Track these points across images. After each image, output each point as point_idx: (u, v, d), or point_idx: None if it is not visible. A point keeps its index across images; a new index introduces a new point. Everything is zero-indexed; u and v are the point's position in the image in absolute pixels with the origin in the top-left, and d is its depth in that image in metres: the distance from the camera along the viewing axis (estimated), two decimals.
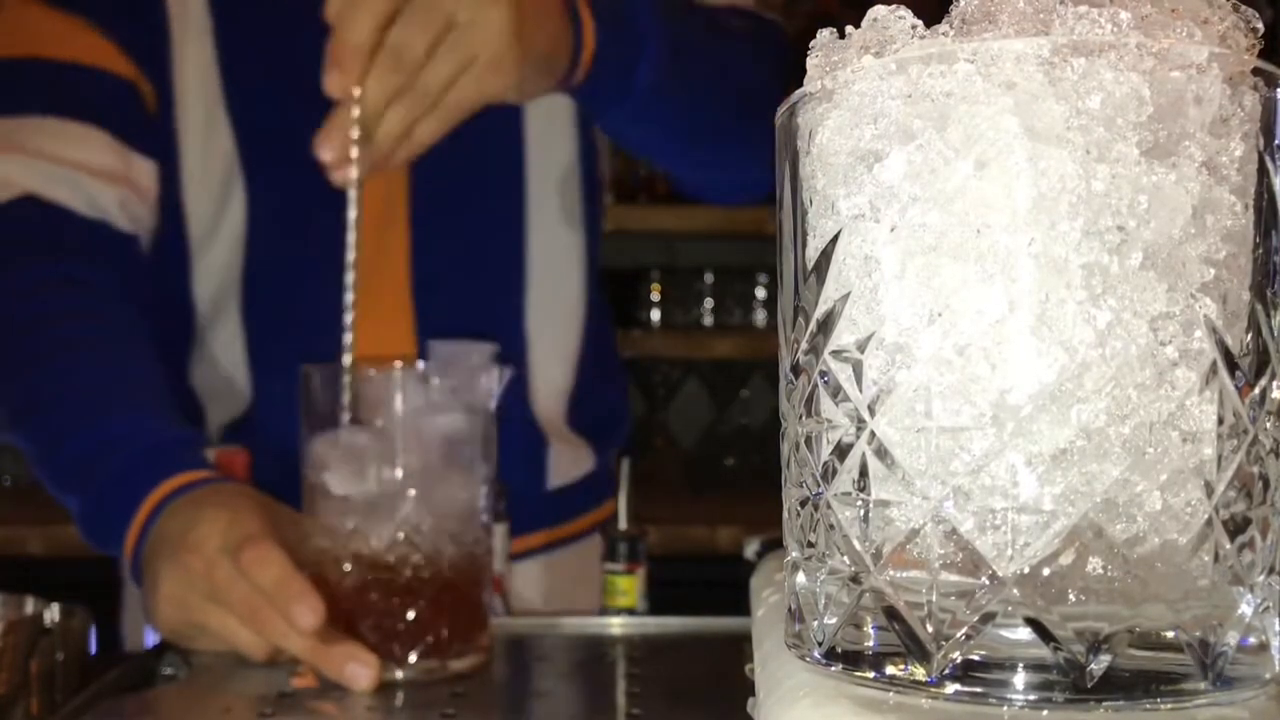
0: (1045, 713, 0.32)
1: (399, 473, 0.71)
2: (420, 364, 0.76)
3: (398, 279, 1.01)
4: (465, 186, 1.03)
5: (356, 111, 0.75)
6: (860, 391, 0.35)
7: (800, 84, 0.38)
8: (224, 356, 1.01)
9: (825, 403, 0.36)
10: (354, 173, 0.76)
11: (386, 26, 0.75)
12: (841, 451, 0.35)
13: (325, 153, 0.77)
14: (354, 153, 0.76)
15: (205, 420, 1.03)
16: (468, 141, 0.91)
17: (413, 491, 0.71)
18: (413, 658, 0.71)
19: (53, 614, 0.70)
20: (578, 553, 1.08)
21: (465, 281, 1.03)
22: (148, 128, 0.97)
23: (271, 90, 0.97)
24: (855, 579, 0.35)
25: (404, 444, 0.71)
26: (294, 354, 0.77)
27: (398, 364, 0.73)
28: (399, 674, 0.71)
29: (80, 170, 0.92)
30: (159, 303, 1.04)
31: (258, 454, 0.93)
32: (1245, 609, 0.34)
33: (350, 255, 0.76)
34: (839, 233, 0.36)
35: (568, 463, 1.09)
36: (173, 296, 1.02)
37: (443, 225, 1.02)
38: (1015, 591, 0.32)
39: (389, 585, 0.70)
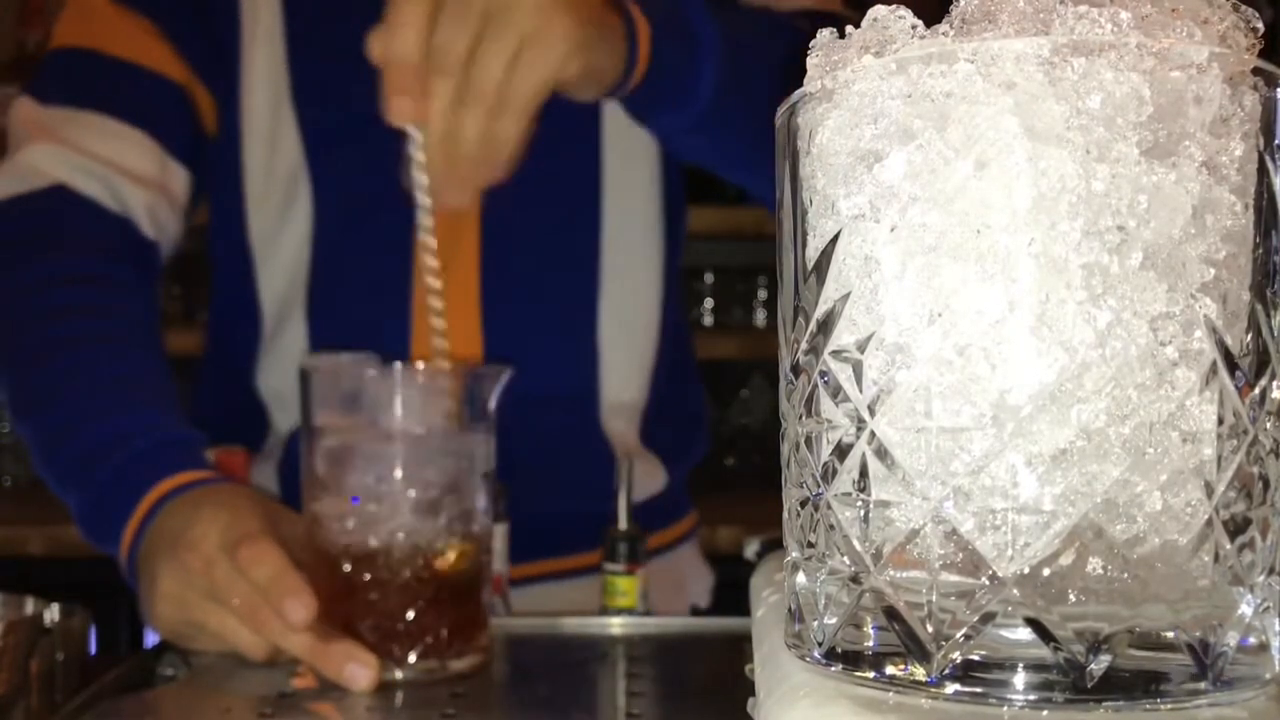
0: (1045, 713, 0.32)
1: (398, 473, 0.71)
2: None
3: (466, 289, 0.99)
4: (539, 195, 0.98)
5: (420, 136, 0.73)
6: (860, 391, 0.35)
7: (800, 84, 0.38)
8: (290, 360, 0.99)
9: (825, 403, 0.36)
10: (425, 199, 0.74)
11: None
12: (841, 452, 0.35)
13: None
14: (423, 177, 0.74)
15: (271, 428, 1.02)
16: (542, 148, 0.87)
17: (413, 492, 0.71)
18: (412, 658, 0.71)
19: (53, 614, 0.70)
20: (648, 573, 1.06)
21: (535, 292, 1.01)
22: (191, 135, 0.97)
23: (337, 87, 0.96)
24: (855, 579, 0.35)
25: (403, 443, 0.71)
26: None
27: (397, 364, 0.73)
28: (399, 674, 0.71)
29: (114, 170, 0.92)
30: (226, 308, 1.04)
31: None
32: (1245, 609, 0.34)
33: (433, 279, 0.75)
34: (839, 233, 0.36)
35: (638, 481, 1.04)
36: (240, 300, 1.01)
37: (515, 234, 0.99)
38: (1015, 591, 0.32)
39: (389, 585, 0.70)
